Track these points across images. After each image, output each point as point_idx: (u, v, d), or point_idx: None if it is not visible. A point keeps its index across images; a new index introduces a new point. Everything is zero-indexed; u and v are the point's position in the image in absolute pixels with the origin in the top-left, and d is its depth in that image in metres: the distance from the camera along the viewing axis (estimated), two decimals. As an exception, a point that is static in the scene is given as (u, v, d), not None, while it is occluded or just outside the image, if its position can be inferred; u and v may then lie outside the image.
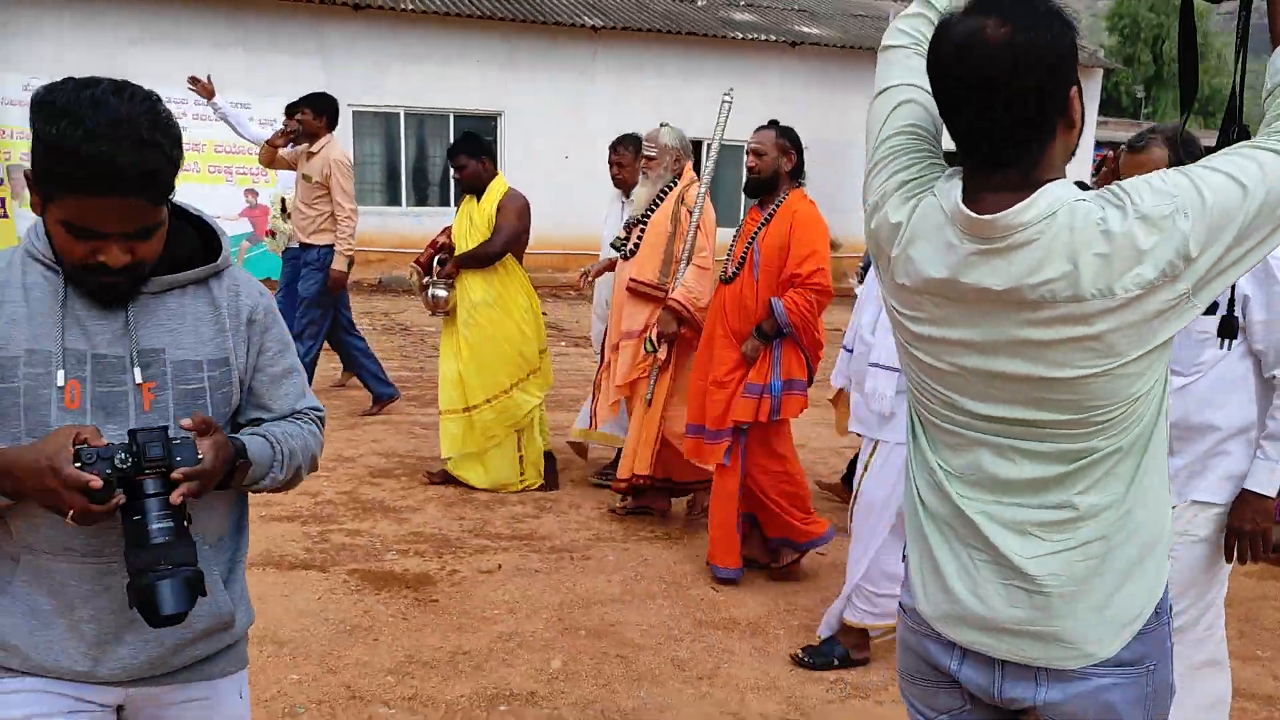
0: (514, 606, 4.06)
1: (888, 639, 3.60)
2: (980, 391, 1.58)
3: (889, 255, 1.63)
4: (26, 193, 10.47)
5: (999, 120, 1.49)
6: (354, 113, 15.26)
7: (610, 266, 5.54)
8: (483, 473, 5.44)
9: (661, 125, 5.23)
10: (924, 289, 1.58)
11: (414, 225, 15.35)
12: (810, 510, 4.40)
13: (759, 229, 4.29)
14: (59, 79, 1.51)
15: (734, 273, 4.34)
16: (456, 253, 5.47)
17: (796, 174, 4.33)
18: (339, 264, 6.59)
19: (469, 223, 5.47)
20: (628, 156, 5.60)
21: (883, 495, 3.51)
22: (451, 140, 16.05)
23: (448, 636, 3.74)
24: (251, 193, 14.34)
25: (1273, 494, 2.62)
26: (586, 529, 5.00)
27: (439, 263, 5.52)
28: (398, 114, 15.65)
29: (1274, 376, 2.63)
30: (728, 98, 4.83)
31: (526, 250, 5.70)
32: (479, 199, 5.48)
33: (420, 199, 16.09)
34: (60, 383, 1.56)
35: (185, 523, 1.51)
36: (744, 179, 4.35)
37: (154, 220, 1.54)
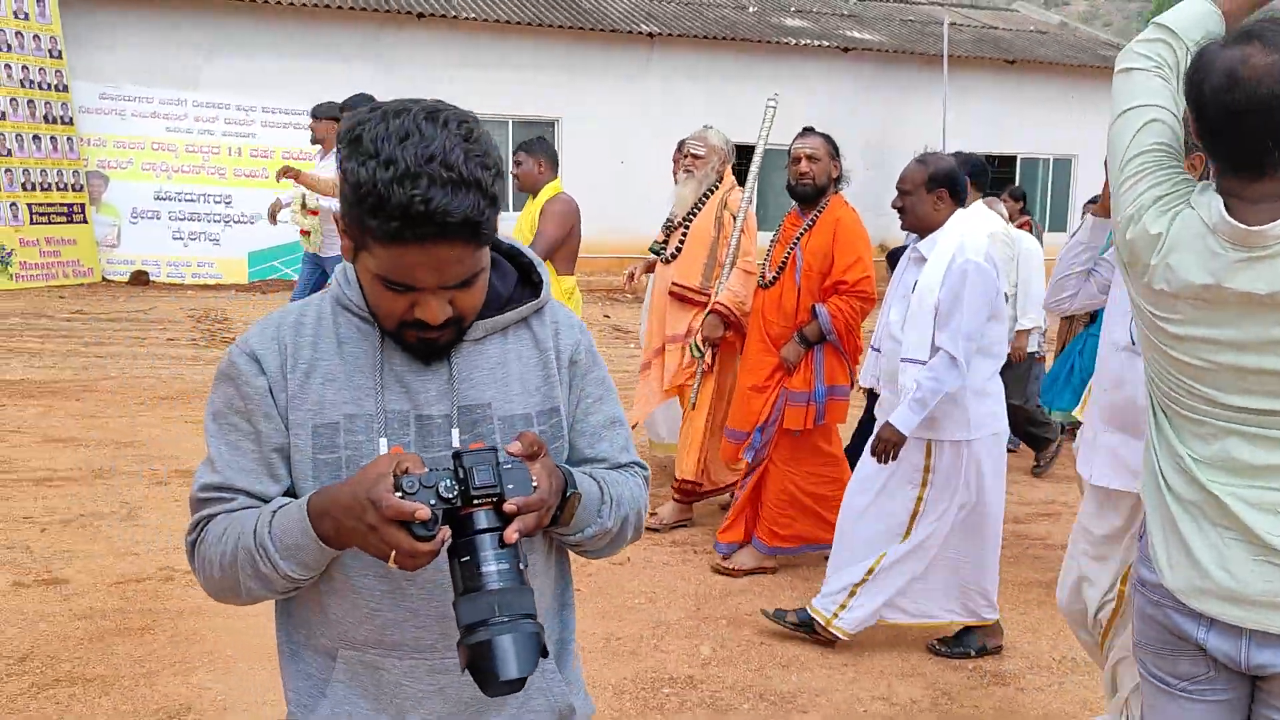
0: (653, 596, 4.24)
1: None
2: (1234, 385, 1.74)
3: (1146, 263, 1.79)
4: (104, 197, 10.75)
5: (1266, 140, 1.65)
6: (416, 119, 15.52)
7: (649, 266, 5.54)
8: None
9: (706, 127, 5.22)
10: (1184, 293, 1.74)
11: (473, 230, 15.60)
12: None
13: (800, 234, 4.30)
14: (368, 111, 1.32)
15: (773, 278, 4.36)
16: None
17: (838, 180, 4.36)
18: None
19: (525, 222, 5.50)
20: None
21: (946, 497, 3.60)
22: (510, 146, 16.40)
23: (597, 623, 3.92)
24: (317, 198, 14.61)
25: None
26: (699, 525, 5.16)
27: None
28: (458, 120, 15.88)
29: None
30: (772, 102, 4.83)
31: (580, 253, 5.63)
32: (528, 192, 5.50)
33: (479, 204, 16.32)
34: (383, 450, 1.37)
35: (521, 564, 1.27)
36: (794, 184, 4.31)
37: (476, 267, 1.34)
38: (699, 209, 5.04)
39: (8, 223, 12.21)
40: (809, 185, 4.27)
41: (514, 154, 5.49)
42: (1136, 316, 1.90)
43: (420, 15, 15.03)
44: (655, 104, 16.32)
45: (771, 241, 4.47)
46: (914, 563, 3.65)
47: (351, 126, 1.29)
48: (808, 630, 3.80)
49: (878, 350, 3.83)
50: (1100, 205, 2.95)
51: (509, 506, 1.25)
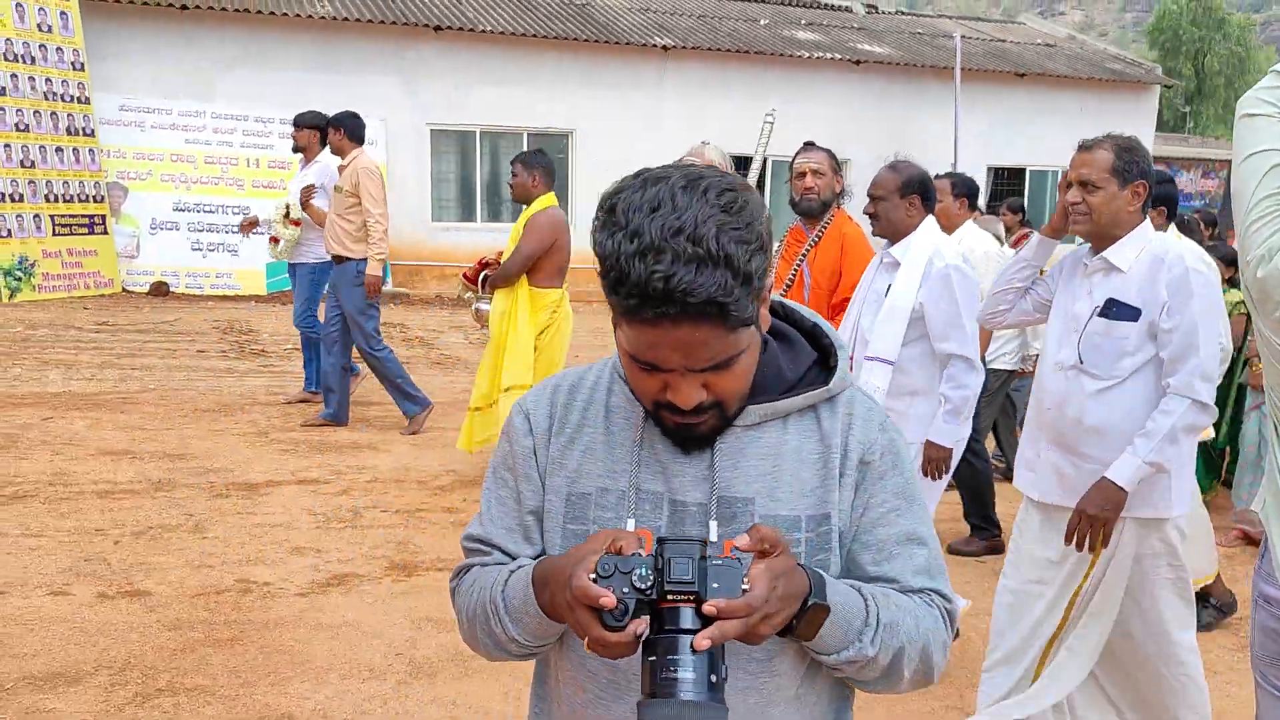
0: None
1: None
2: None
3: (1277, 300, 1.88)
4: (123, 209, 10.72)
5: None
6: (432, 131, 15.65)
7: None
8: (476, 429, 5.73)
9: (704, 143, 5.14)
10: None
11: (490, 241, 15.65)
12: None
13: (806, 250, 4.25)
14: (631, 178, 1.24)
15: (781, 295, 4.31)
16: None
17: (842, 195, 4.32)
18: (373, 269, 6.68)
19: (513, 235, 5.68)
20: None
21: None
22: (525, 158, 16.52)
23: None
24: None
25: (1127, 487, 2.71)
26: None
27: (482, 279, 5.71)
28: (474, 132, 16.01)
29: (1167, 384, 2.75)
30: (770, 117, 4.73)
31: (570, 267, 5.81)
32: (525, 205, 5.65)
33: (494, 215, 16.43)
34: (630, 529, 1.28)
35: (715, 677, 1.11)
36: (798, 199, 4.25)
37: (730, 350, 1.21)
38: None
39: (31, 234, 12.27)
40: (814, 200, 4.22)
41: (511, 165, 5.63)
42: (1263, 348, 1.98)
43: (438, 28, 15.13)
44: (669, 116, 16.42)
45: (775, 258, 4.36)
46: None
47: (610, 194, 1.22)
48: None
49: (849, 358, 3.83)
50: (1049, 226, 3.05)
51: (707, 609, 1.11)
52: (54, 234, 12.53)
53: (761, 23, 18.60)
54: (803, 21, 19.17)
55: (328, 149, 7.07)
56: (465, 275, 5.81)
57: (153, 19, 14.08)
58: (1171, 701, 3.00)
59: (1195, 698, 3.00)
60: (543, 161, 5.60)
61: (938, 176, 4.40)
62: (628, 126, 16.36)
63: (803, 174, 4.23)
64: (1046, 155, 18.58)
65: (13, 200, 12.14)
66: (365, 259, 6.68)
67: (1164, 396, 2.75)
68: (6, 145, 12.12)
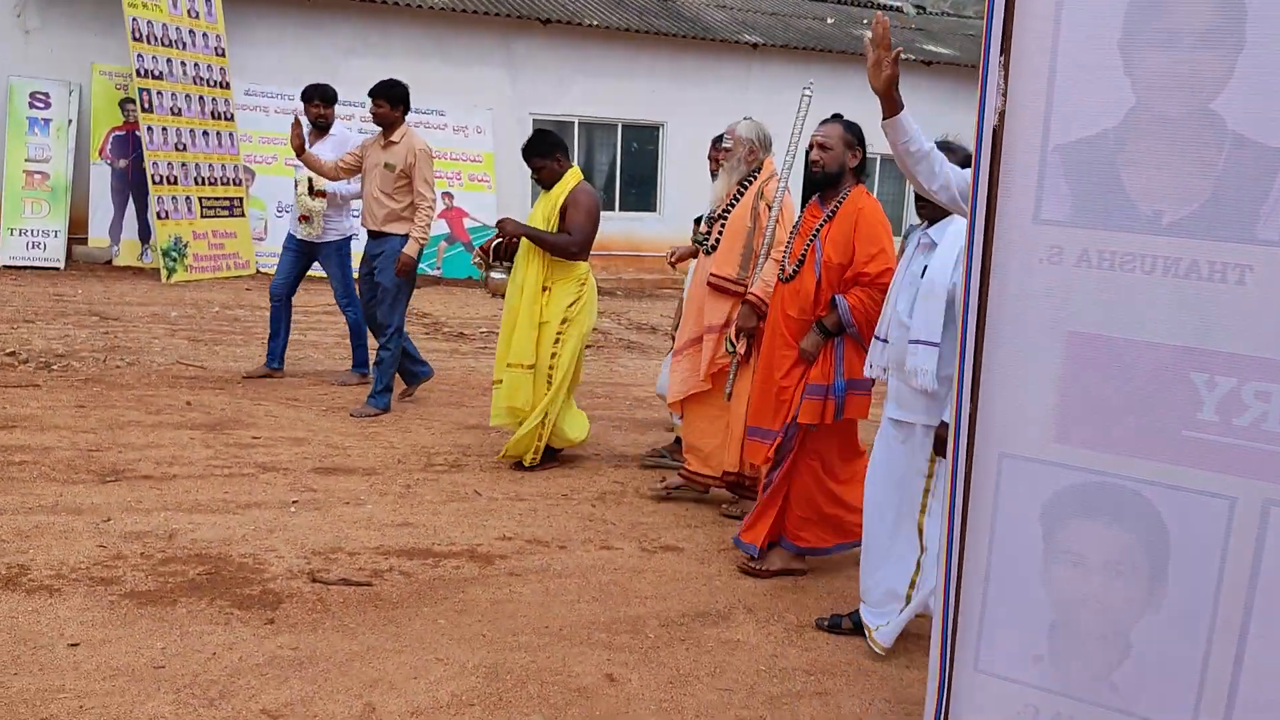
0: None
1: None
2: None
3: None
4: (251, 191, 11.02)
5: None
6: (534, 120, 16.12)
7: (691, 253, 5.66)
8: (510, 443, 5.65)
9: (743, 119, 5.20)
10: None
11: (582, 228, 16.26)
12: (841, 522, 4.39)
13: (820, 226, 4.20)
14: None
15: (794, 271, 4.25)
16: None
17: (860, 170, 4.24)
18: (411, 249, 6.46)
19: (538, 215, 5.58)
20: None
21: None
22: (619, 149, 17.06)
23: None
24: (448, 195, 15.14)
25: None
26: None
27: (496, 249, 5.70)
28: (572, 123, 16.51)
29: None
30: (808, 91, 4.72)
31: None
32: (549, 190, 5.55)
33: (586, 203, 16.95)
34: None
35: None
36: (808, 171, 4.24)
37: None
38: (738, 200, 5.05)
39: (184, 216, 12.59)
40: (818, 171, 4.17)
41: (529, 161, 5.49)
42: None
43: (546, 21, 15.61)
44: (754, 111, 17.01)
45: (792, 234, 4.40)
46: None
47: None
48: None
49: (884, 340, 3.73)
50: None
51: None
52: (202, 216, 12.86)
53: (829, 21, 19.30)
54: (864, 21, 19.90)
55: (339, 121, 7.11)
56: (480, 249, 5.78)
57: (277, 6, 14.39)
58: None
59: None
60: (556, 141, 5.55)
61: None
62: (715, 120, 16.93)
63: (811, 146, 4.24)
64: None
65: (169, 183, 12.47)
66: (408, 236, 6.50)
67: None
68: (164, 129, 12.43)
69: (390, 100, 6.47)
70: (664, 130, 17.01)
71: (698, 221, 5.50)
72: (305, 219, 7.09)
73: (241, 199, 13.57)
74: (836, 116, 4.27)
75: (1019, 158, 1.25)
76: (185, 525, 4.45)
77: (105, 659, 3.26)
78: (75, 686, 3.09)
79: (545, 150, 5.50)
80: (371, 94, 6.53)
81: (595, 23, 15.91)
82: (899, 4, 22.10)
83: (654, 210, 17.42)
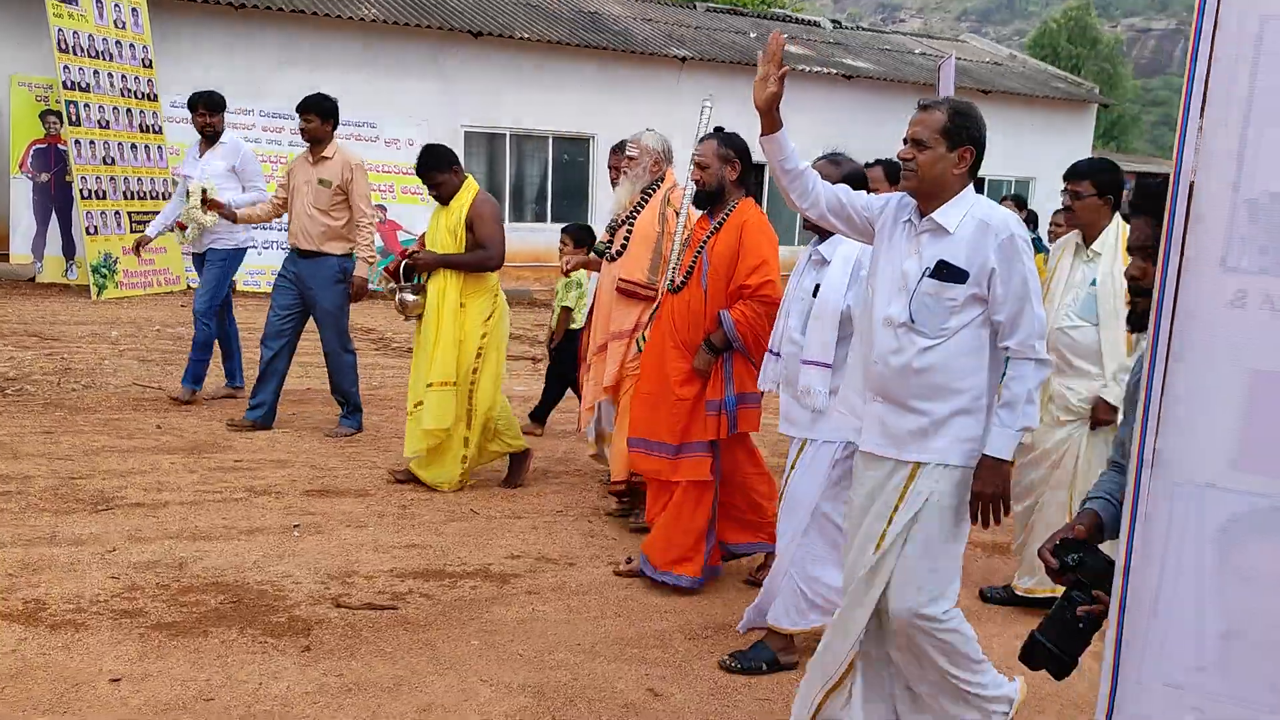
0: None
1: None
2: None
3: None
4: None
5: None
6: (466, 133, 16.12)
7: (584, 263, 5.71)
8: (428, 472, 5.55)
9: (647, 130, 5.30)
10: None
11: (515, 240, 16.21)
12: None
13: (707, 237, 4.23)
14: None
15: (682, 282, 4.28)
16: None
17: (742, 182, 4.26)
18: (361, 270, 6.33)
19: (437, 229, 5.50)
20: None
21: (811, 494, 3.58)
22: (550, 160, 17.11)
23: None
24: (381, 208, 15.00)
25: (1009, 458, 2.80)
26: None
27: (404, 270, 5.59)
28: (504, 135, 16.53)
29: (1006, 348, 2.85)
30: (708, 104, 4.78)
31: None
32: (447, 206, 5.47)
33: (518, 215, 16.97)
34: None
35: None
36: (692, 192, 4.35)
37: None
38: (641, 208, 5.10)
39: (113, 231, 12.27)
40: (701, 189, 4.26)
41: (425, 176, 5.40)
42: None
43: (478, 34, 15.60)
44: (683, 124, 17.24)
45: (682, 245, 4.47)
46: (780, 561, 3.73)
47: None
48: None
49: (777, 354, 3.75)
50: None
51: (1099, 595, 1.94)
52: (130, 231, 12.53)
53: (751, 35, 19.65)
54: (787, 36, 20.29)
55: (230, 129, 6.93)
56: (387, 270, 5.67)
57: (203, 18, 14.13)
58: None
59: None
60: (450, 155, 5.48)
61: (869, 165, 4.37)
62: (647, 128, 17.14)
63: (694, 166, 4.30)
64: (1003, 166, 20.26)
65: (97, 197, 12.13)
66: (345, 256, 6.34)
67: (1009, 362, 2.86)
68: (91, 142, 12.09)
69: (321, 114, 6.29)
70: (595, 142, 17.12)
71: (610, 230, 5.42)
72: (181, 226, 6.74)
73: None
74: (719, 129, 4.30)
75: (1210, 209, 1.38)
76: (192, 553, 4.39)
77: (151, 694, 3.23)
78: (131, 721, 3.06)
79: (443, 165, 5.41)
80: (300, 109, 6.34)
81: (526, 35, 15.96)
82: (816, 20, 22.59)
83: (586, 221, 17.50)
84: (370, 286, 6.80)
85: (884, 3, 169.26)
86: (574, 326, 6.67)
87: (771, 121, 2.97)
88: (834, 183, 3.36)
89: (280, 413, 6.68)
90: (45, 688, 3.21)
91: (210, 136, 6.84)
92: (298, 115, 6.40)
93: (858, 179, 3.62)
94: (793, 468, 3.64)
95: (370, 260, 6.37)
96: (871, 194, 3.57)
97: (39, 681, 3.24)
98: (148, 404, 6.93)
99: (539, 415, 7.08)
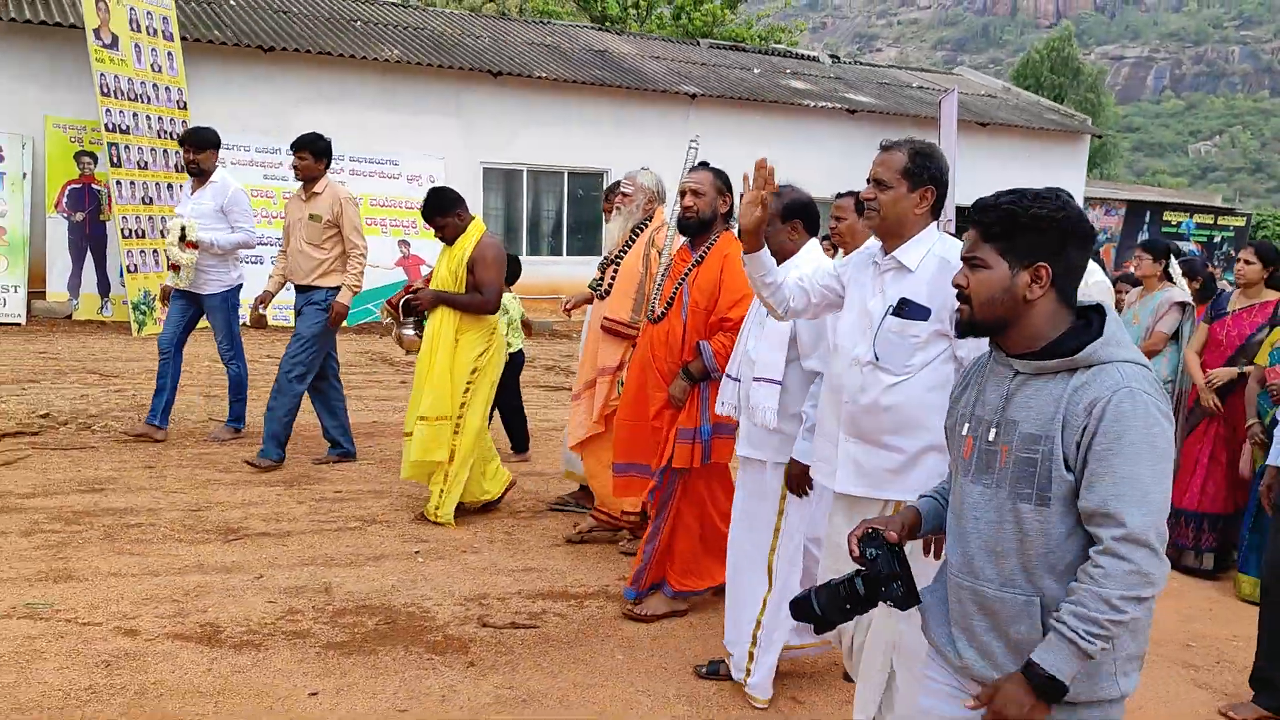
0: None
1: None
2: None
3: None
4: None
5: None
6: (484, 169, 16.48)
7: (588, 299, 5.77)
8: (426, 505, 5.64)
9: (641, 169, 5.41)
10: None
11: (531, 273, 16.55)
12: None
13: (689, 270, 4.25)
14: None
15: (662, 313, 4.33)
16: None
17: (729, 216, 4.29)
18: (344, 297, 6.38)
19: (440, 269, 5.62)
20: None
21: (802, 520, 3.64)
22: (565, 195, 17.49)
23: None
24: (404, 243, 15.33)
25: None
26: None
27: (404, 306, 5.69)
28: (520, 170, 16.90)
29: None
30: (694, 144, 4.82)
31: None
32: (452, 246, 5.56)
33: (534, 249, 17.31)
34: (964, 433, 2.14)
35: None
36: (680, 217, 4.32)
37: None
38: (630, 246, 5.18)
39: (152, 269, 12.52)
40: (692, 218, 4.25)
41: (431, 221, 5.50)
42: None
43: (497, 73, 16.00)
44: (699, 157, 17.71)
45: (662, 276, 4.49)
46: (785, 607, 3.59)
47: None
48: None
49: (735, 379, 3.80)
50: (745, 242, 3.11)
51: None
52: (168, 269, 12.78)
53: (755, 71, 20.14)
54: (788, 71, 20.83)
55: (220, 168, 6.85)
56: (389, 302, 5.79)
57: (228, 60, 14.45)
58: None
59: None
60: (455, 198, 5.59)
61: (840, 195, 4.39)
62: (656, 166, 17.51)
63: (683, 193, 4.30)
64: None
65: (137, 236, 12.39)
66: (337, 289, 6.40)
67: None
68: (131, 182, 12.37)
69: (314, 153, 6.42)
70: (608, 176, 17.48)
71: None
72: (174, 268, 6.77)
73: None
74: (704, 164, 4.36)
75: None
76: (333, 579, 4.67)
77: (350, 706, 3.52)
78: (343, 731, 3.34)
79: (447, 207, 5.49)
80: (294, 147, 6.47)
81: (544, 75, 16.36)
82: (815, 55, 23.13)
83: (599, 254, 17.84)
84: (374, 318, 6.77)
85: (860, 33, 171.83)
86: (510, 350, 6.80)
87: (755, 242, 3.08)
88: (774, 213, 3.52)
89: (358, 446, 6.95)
90: (252, 703, 3.48)
91: (196, 173, 6.85)
92: (291, 153, 6.53)
93: (799, 209, 3.71)
94: (783, 498, 3.62)
95: (354, 289, 6.42)
96: (838, 232, 4.03)
97: (245, 698, 3.52)
98: (224, 440, 7.19)
99: (518, 446, 7.30)
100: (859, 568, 2.17)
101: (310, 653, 3.90)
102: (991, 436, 2.04)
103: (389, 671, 3.80)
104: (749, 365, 3.66)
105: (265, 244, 14.13)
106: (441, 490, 5.54)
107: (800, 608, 2.22)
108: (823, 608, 2.18)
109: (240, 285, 7.10)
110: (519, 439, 7.30)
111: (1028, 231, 2.03)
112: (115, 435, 7.01)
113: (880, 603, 2.17)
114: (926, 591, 2.23)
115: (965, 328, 2.13)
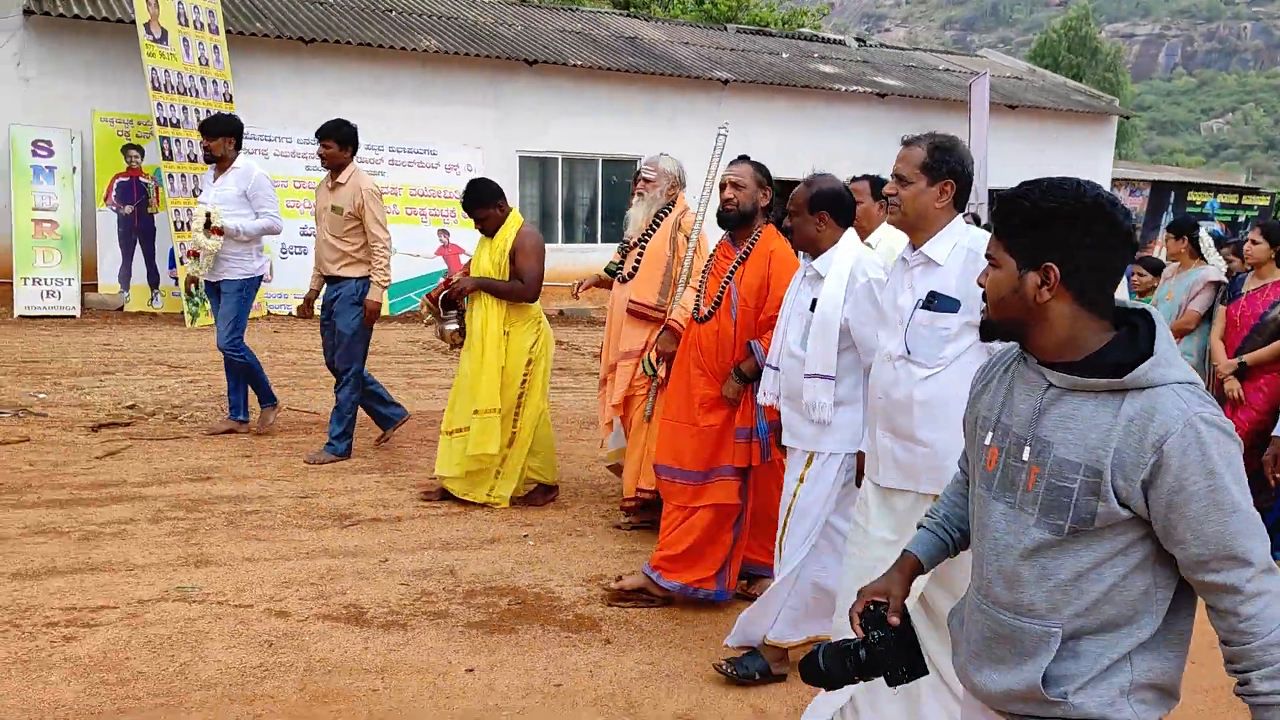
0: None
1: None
2: None
3: None
4: None
5: None
6: (520, 158, 16.61)
7: (599, 282, 5.75)
8: (460, 484, 5.70)
9: (661, 154, 5.49)
10: None
11: (567, 260, 16.73)
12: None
13: (734, 268, 4.24)
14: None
15: (709, 312, 4.28)
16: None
17: (770, 210, 4.29)
18: (375, 294, 6.35)
19: (480, 260, 5.65)
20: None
21: (817, 507, 3.58)
22: (599, 182, 17.61)
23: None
24: (444, 232, 15.50)
25: None
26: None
27: (444, 301, 5.74)
28: (556, 159, 17.03)
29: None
30: (723, 131, 4.81)
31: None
32: (493, 238, 5.60)
33: (569, 237, 17.45)
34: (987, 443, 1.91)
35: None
36: (720, 210, 4.27)
37: None
38: (654, 230, 5.23)
39: (203, 261, 12.69)
40: (733, 211, 4.23)
41: (473, 213, 5.54)
42: None
43: (533, 62, 16.11)
44: (728, 144, 17.80)
45: (705, 272, 4.43)
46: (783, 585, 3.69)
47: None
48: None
49: (775, 369, 3.79)
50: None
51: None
52: (188, 255, 12.96)
53: (784, 56, 20.21)
54: (815, 55, 20.89)
55: (243, 153, 6.82)
56: (429, 296, 5.80)
57: (274, 51, 14.59)
58: None
59: None
60: (495, 189, 5.64)
61: (855, 179, 4.41)
62: (690, 152, 17.61)
63: (723, 186, 4.27)
64: (1023, 178, 20.80)
65: (188, 229, 12.55)
66: (364, 279, 6.37)
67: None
68: (183, 175, 12.54)
69: (339, 141, 6.35)
70: (641, 164, 17.60)
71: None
72: (194, 255, 6.72)
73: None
74: (744, 157, 4.34)
75: None
76: (454, 561, 4.85)
77: (507, 680, 3.69)
78: (509, 705, 3.52)
79: (488, 200, 5.54)
80: (319, 134, 6.42)
81: (579, 62, 16.47)
82: (842, 38, 23.17)
83: (633, 241, 17.99)
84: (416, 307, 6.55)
85: (868, 13, 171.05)
86: None
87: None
88: (801, 204, 3.64)
89: (418, 437, 7.12)
90: (415, 679, 3.66)
91: (211, 160, 6.82)
92: (317, 141, 6.49)
93: (827, 199, 3.67)
94: (800, 481, 3.62)
95: (383, 284, 6.39)
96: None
97: (406, 674, 3.70)
98: (306, 427, 7.36)
99: None
100: (864, 638, 2.07)
101: (454, 632, 4.07)
102: (1026, 456, 1.84)
103: (533, 648, 3.97)
104: (791, 357, 3.67)
105: (308, 235, 14.37)
106: (498, 473, 5.67)
107: (808, 666, 2.14)
108: (828, 668, 2.10)
109: (261, 278, 7.01)
110: None
111: (1035, 227, 1.83)
112: (203, 425, 7.18)
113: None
114: (952, 614, 2.13)
115: (985, 330, 1.98)
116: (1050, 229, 1.81)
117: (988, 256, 1.92)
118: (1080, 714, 1.80)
